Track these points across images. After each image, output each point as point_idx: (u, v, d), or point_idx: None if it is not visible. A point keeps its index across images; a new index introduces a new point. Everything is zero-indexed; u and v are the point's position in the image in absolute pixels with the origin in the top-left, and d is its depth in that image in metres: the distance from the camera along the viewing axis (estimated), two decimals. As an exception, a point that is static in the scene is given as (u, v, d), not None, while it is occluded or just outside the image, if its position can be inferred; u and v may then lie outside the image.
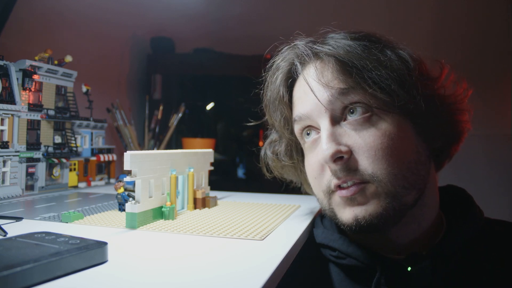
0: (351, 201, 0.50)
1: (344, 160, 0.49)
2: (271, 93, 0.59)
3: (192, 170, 0.67)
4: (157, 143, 1.25)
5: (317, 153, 0.53)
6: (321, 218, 0.64)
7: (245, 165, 1.69)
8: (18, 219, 0.55)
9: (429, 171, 0.54)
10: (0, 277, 0.28)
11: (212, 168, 0.76)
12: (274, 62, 0.59)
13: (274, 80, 0.59)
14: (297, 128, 0.57)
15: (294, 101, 0.58)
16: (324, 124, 0.51)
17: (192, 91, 1.78)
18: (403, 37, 0.56)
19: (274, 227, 0.55)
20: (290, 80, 0.58)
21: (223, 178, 1.60)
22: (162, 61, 1.66)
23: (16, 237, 0.39)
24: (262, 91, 0.62)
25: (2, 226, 0.48)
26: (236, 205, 0.73)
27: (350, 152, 0.49)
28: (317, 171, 0.54)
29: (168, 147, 1.27)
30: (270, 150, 0.66)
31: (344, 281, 0.56)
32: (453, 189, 0.63)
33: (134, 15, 1.46)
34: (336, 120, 0.51)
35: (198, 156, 0.71)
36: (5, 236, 0.45)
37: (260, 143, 0.70)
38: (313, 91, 0.52)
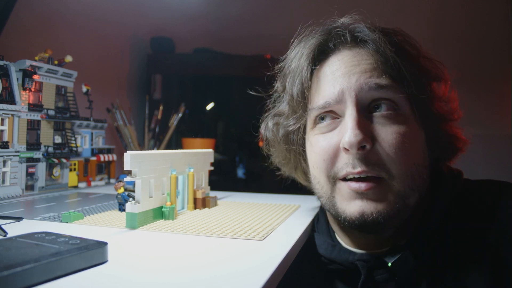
0: (361, 195, 0.50)
1: (366, 150, 0.49)
2: (298, 63, 0.56)
3: (192, 170, 0.67)
4: (157, 143, 1.25)
5: (333, 136, 0.52)
6: (316, 220, 0.65)
7: (245, 165, 1.69)
8: (18, 219, 0.55)
9: (429, 177, 0.55)
10: (0, 277, 0.28)
11: (212, 168, 0.76)
12: (305, 36, 0.57)
13: (302, 52, 0.56)
14: (315, 113, 0.55)
15: (320, 80, 0.55)
16: (352, 110, 0.50)
17: (192, 91, 1.77)
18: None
19: (274, 227, 0.55)
20: (318, 56, 0.56)
21: (223, 178, 1.60)
22: (162, 61, 1.66)
23: (16, 237, 0.39)
24: (283, 62, 0.60)
25: (2, 226, 0.48)
26: (236, 205, 0.73)
27: (372, 144, 0.49)
28: (329, 153, 0.52)
29: (168, 147, 1.27)
30: (274, 121, 0.63)
31: (334, 283, 0.57)
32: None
33: (134, 15, 1.46)
34: (363, 109, 0.51)
35: (198, 156, 0.71)
36: (5, 236, 0.45)
37: (260, 143, 0.69)
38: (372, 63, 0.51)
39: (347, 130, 0.49)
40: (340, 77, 0.52)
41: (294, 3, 1.72)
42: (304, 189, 0.68)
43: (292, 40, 0.59)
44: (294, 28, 0.58)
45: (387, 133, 0.50)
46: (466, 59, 1.61)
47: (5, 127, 0.76)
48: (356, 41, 0.53)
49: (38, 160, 0.84)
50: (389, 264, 0.50)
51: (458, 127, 0.57)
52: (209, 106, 1.74)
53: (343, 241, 0.59)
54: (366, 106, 0.51)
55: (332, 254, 0.56)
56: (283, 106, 0.62)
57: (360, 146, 0.48)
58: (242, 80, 1.68)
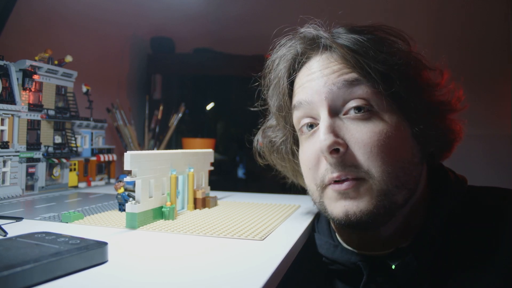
0: (343, 195, 0.50)
1: (340, 154, 0.49)
2: (274, 77, 0.59)
3: (192, 170, 0.67)
4: (157, 143, 1.25)
5: (314, 143, 0.53)
6: (317, 220, 0.65)
7: (245, 165, 1.69)
8: (18, 219, 0.55)
9: (421, 173, 0.54)
10: (0, 277, 0.28)
11: (212, 168, 0.76)
12: (280, 46, 0.58)
13: (277, 65, 0.58)
14: (296, 115, 0.56)
15: (295, 89, 0.57)
16: (323, 114, 0.51)
17: (192, 91, 1.77)
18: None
19: (274, 227, 0.55)
20: (293, 67, 0.57)
21: (223, 178, 1.60)
22: (162, 61, 1.66)
23: (16, 237, 0.39)
24: (263, 75, 0.61)
25: (2, 226, 0.48)
26: (236, 205, 0.73)
27: (346, 146, 0.49)
28: (312, 161, 0.53)
29: (168, 147, 1.27)
30: (263, 135, 0.66)
31: (335, 283, 0.57)
32: (433, 167, 0.60)
33: (134, 15, 1.46)
34: (335, 112, 0.51)
35: (198, 156, 0.71)
36: (5, 236, 0.45)
37: (261, 144, 0.70)
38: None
39: (319, 135, 0.50)
40: (312, 81, 0.53)
41: (294, 3, 1.72)
42: (304, 189, 0.68)
43: (266, 56, 0.61)
44: (294, 28, 0.58)
45: (361, 134, 0.49)
46: (466, 59, 1.61)
47: (5, 127, 0.76)
48: (324, 47, 0.54)
49: (38, 160, 0.84)
50: (393, 267, 0.50)
51: (455, 118, 0.56)
52: (209, 106, 1.74)
53: (344, 242, 0.59)
54: (340, 108, 0.51)
55: (334, 255, 0.56)
56: (271, 120, 0.65)
57: (333, 150, 0.48)
58: (242, 80, 1.68)
